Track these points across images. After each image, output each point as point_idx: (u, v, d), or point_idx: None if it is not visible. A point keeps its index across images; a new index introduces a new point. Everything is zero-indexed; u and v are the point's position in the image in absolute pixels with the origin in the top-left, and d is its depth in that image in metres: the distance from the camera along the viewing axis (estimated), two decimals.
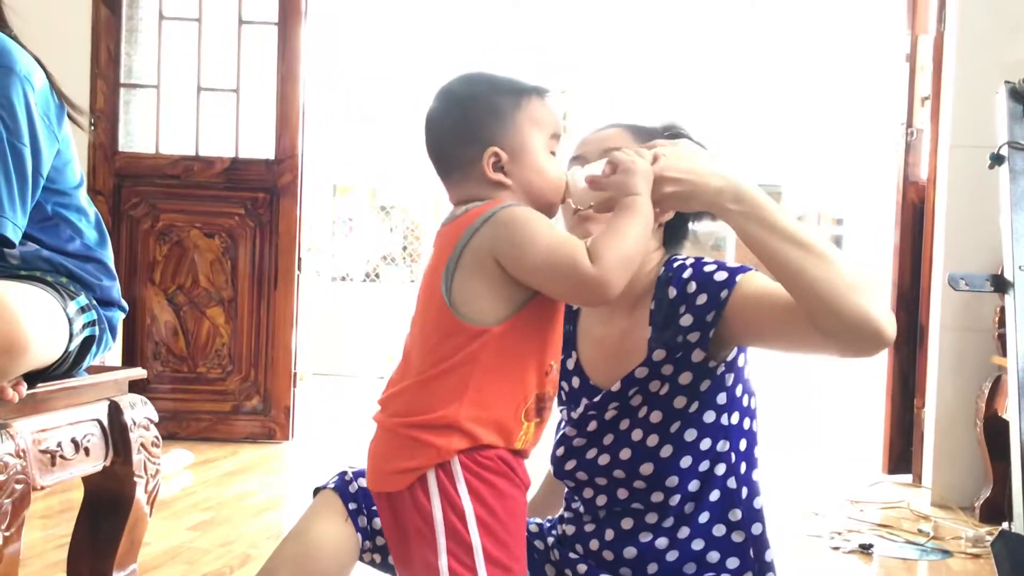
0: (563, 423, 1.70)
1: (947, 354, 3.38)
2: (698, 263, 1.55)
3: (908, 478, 3.66)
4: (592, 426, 1.63)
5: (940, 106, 3.53)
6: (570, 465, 1.64)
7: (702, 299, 1.50)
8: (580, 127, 10.50)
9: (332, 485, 1.63)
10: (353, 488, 1.61)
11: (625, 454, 1.58)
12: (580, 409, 1.65)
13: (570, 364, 1.69)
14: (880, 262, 6.48)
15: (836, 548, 2.70)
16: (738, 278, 1.48)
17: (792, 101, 10.40)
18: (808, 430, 5.15)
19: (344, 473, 1.65)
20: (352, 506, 1.61)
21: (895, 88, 3.93)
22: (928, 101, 3.66)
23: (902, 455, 3.72)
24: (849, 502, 3.25)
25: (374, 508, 1.55)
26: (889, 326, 1.33)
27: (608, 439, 1.61)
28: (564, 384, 1.70)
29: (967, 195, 3.34)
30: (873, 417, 5.49)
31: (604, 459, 1.59)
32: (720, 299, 1.49)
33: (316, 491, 1.66)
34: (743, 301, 1.48)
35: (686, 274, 1.53)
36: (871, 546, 2.69)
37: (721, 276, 1.49)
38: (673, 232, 1.65)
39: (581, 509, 1.66)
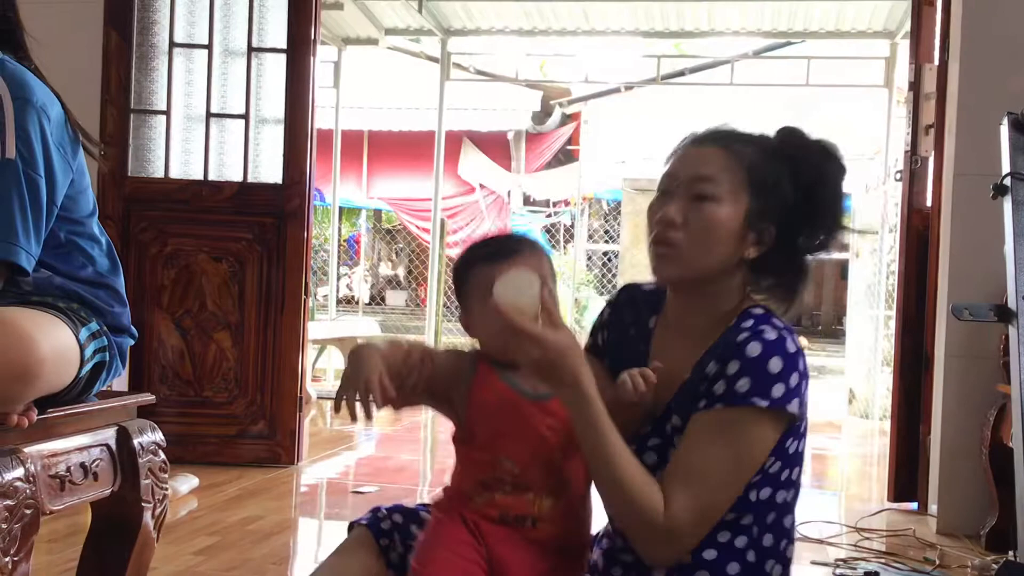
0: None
1: (952, 382, 3.38)
2: (769, 350, 1.48)
3: (914, 506, 3.66)
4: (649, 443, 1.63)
5: (944, 134, 3.55)
6: None
7: (742, 384, 1.47)
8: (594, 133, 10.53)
9: (365, 521, 1.66)
10: (386, 525, 1.65)
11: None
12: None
13: None
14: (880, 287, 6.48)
15: None
16: (739, 406, 1.46)
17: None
18: (814, 458, 5.14)
19: (377, 509, 1.69)
20: (384, 542, 1.64)
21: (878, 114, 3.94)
22: (932, 129, 3.68)
23: (908, 483, 3.71)
24: (855, 530, 3.24)
25: (408, 543, 1.62)
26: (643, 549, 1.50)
27: (651, 458, 1.60)
28: None
29: (971, 223, 3.35)
30: (878, 445, 5.48)
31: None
32: (720, 398, 1.48)
33: (350, 527, 1.69)
34: (713, 417, 1.49)
35: (751, 349, 1.48)
36: (877, 574, 2.68)
37: (743, 387, 1.46)
38: (765, 276, 1.60)
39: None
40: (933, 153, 3.67)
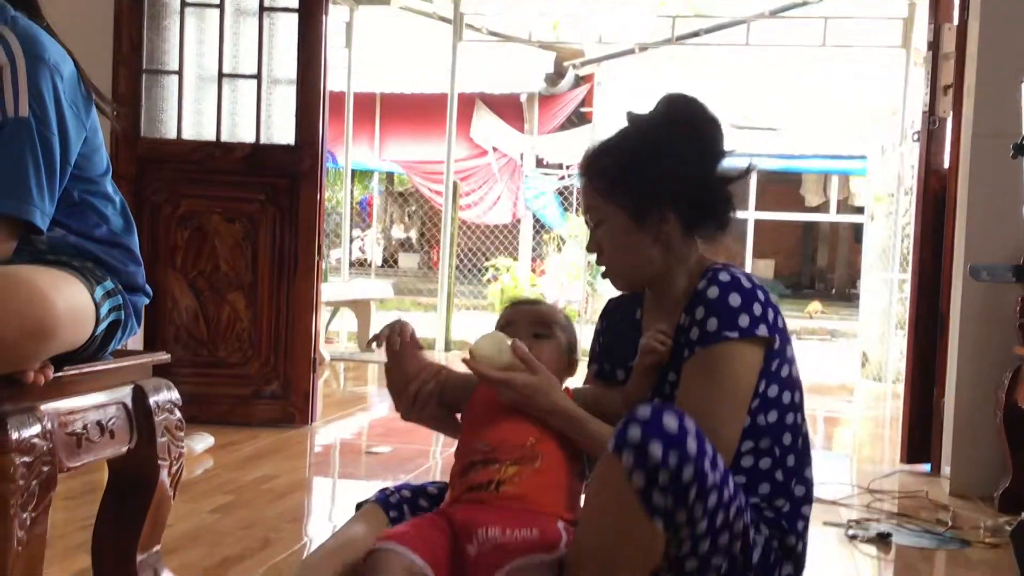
0: None
1: (967, 344, 3.37)
2: (725, 289, 1.65)
3: (927, 468, 3.66)
4: None
5: (963, 95, 3.51)
6: None
7: (711, 324, 1.64)
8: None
9: (374, 499, 1.79)
10: (394, 499, 1.78)
11: None
12: None
13: None
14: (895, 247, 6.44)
15: (854, 537, 2.70)
16: (714, 344, 1.63)
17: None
18: (827, 420, 5.14)
19: (385, 489, 1.81)
20: (393, 514, 1.76)
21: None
22: (951, 90, 3.64)
23: (921, 445, 3.71)
24: (867, 491, 3.25)
25: (418, 515, 1.74)
26: None
27: None
28: None
29: (989, 184, 3.32)
30: (891, 407, 5.48)
31: None
32: (697, 342, 1.64)
33: (358, 507, 1.80)
34: (695, 361, 1.65)
35: (710, 293, 1.66)
36: (889, 535, 2.69)
37: (712, 326, 1.64)
38: (698, 234, 1.76)
39: None
40: (951, 114, 3.63)
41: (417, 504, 1.81)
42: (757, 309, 1.64)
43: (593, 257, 1.83)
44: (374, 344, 1.81)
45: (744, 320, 1.62)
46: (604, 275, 1.81)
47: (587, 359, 1.95)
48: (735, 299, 1.64)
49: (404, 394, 1.81)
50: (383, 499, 1.79)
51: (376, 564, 1.56)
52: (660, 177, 1.72)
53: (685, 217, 1.73)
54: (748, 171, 1.77)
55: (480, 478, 1.65)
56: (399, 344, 1.79)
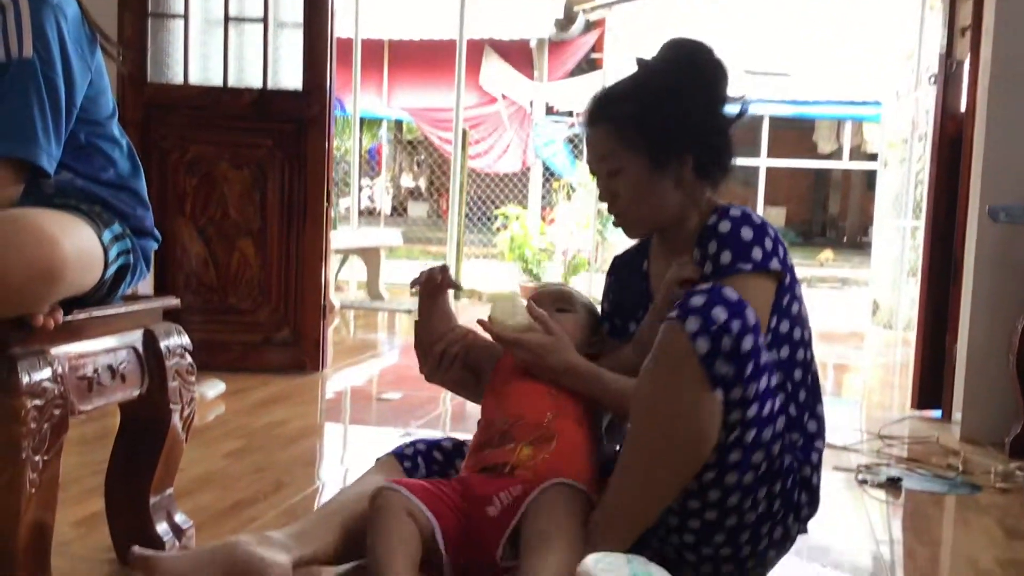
0: None
1: (981, 289, 3.34)
2: (737, 224, 1.68)
3: (937, 414, 3.66)
4: None
5: (981, 37, 3.45)
6: None
7: (725, 257, 1.66)
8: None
9: (389, 452, 1.87)
10: (409, 451, 1.86)
11: None
12: None
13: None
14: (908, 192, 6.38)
15: (864, 482, 2.70)
16: (728, 276, 1.63)
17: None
18: (837, 367, 5.14)
19: (401, 445, 1.89)
20: (407, 464, 1.84)
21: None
22: (968, 32, 3.57)
23: (932, 391, 3.71)
24: (878, 437, 3.25)
25: (432, 467, 1.84)
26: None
27: None
28: None
29: (1006, 127, 3.28)
30: (902, 354, 5.47)
31: None
32: (712, 276, 1.65)
33: (377, 460, 1.88)
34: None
35: (722, 227, 1.68)
36: (899, 480, 2.69)
37: (726, 259, 1.66)
38: (708, 178, 1.78)
39: None
40: (969, 56, 3.57)
41: (431, 457, 1.87)
42: (768, 244, 1.66)
43: (603, 206, 1.84)
44: (413, 289, 1.90)
45: (757, 253, 1.64)
46: (617, 223, 1.81)
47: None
48: (747, 233, 1.66)
49: (430, 354, 1.87)
50: (399, 452, 1.87)
51: (378, 502, 1.61)
52: (680, 121, 1.72)
53: (700, 160, 1.75)
54: (742, 114, 1.77)
55: (495, 459, 1.68)
56: (436, 289, 1.88)
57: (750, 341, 1.48)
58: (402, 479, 1.71)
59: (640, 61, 1.79)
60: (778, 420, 1.57)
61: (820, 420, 1.73)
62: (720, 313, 1.47)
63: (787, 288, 1.69)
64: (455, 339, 1.89)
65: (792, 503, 1.67)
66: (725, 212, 1.69)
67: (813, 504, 1.73)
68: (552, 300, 1.87)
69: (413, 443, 1.90)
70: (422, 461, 1.86)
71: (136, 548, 1.60)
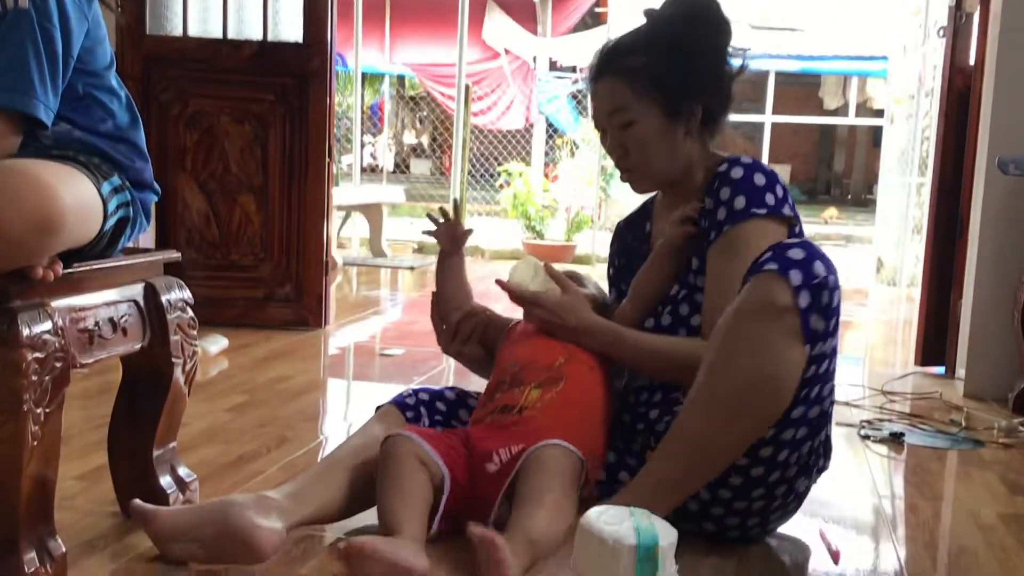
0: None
1: (987, 245, 3.32)
2: (749, 170, 1.70)
3: (941, 370, 3.65)
4: (659, 323, 1.80)
5: None
6: None
7: (739, 202, 1.67)
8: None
9: (390, 401, 1.85)
10: (411, 401, 1.85)
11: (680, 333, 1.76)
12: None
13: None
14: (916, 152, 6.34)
15: (866, 437, 2.70)
16: (744, 221, 1.65)
17: None
18: (841, 323, 5.12)
19: (402, 393, 1.88)
20: (410, 414, 1.82)
21: None
22: None
23: (935, 347, 3.70)
24: (880, 393, 3.25)
25: (435, 417, 1.84)
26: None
27: (684, 309, 1.77)
28: None
29: (1016, 80, 3.24)
30: (905, 311, 5.46)
31: (664, 323, 1.78)
32: (725, 221, 1.67)
33: (378, 409, 1.87)
34: (724, 241, 1.67)
35: (734, 173, 1.70)
36: (902, 435, 2.69)
37: (740, 204, 1.67)
38: (713, 128, 1.81)
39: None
40: (979, 8, 3.52)
41: (434, 407, 1.85)
42: (779, 190, 1.69)
43: (608, 163, 1.87)
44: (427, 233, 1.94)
45: (770, 198, 1.66)
46: (626, 179, 1.80)
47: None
48: (760, 179, 1.68)
49: (447, 326, 1.87)
50: (400, 401, 1.85)
51: (389, 448, 1.61)
52: (692, 71, 1.74)
53: (708, 111, 1.77)
54: (744, 68, 1.79)
55: (505, 401, 1.68)
56: (454, 240, 1.91)
57: (838, 297, 1.51)
58: (413, 427, 1.71)
59: (648, 13, 1.79)
60: (835, 375, 1.59)
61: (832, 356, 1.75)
62: (820, 268, 1.48)
63: (797, 235, 1.70)
64: (471, 313, 1.89)
65: (820, 455, 1.69)
66: (736, 160, 1.71)
67: (828, 455, 1.74)
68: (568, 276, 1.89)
69: (415, 392, 1.88)
70: (424, 411, 1.84)
71: (136, 501, 1.62)
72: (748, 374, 1.47)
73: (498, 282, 1.79)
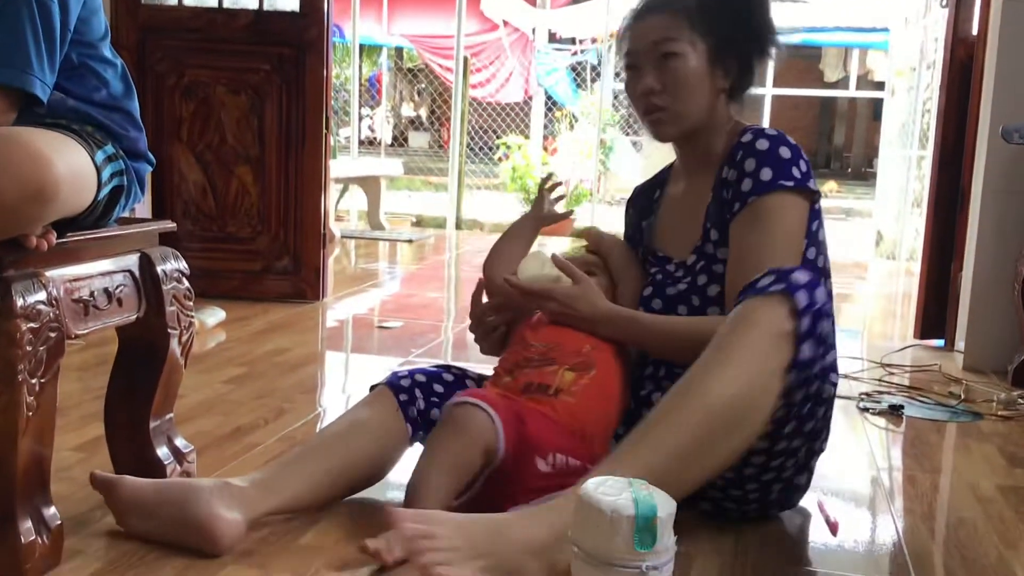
0: (654, 275, 1.85)
1: (988, 217, 3.30)
2: (775, 142, 1.67)
3: (940, 343, 3.65)
4: (671, 291, 1.78)
5: None
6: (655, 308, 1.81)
7: (765, 173, 1.65)
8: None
9: (384, 382, 1.78)
10: (405, 383, 1.77)
11: (694, 300, 1.74)
12: (660, 276, 1.82)
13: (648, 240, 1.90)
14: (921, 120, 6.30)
15: (865, 409, 2.70)
16: (770, 192, 1.63)
17: None
18: (839, 297, 5.12)
19: (397, 372, 1.81)
20: (403, 397, 1.75)
21: None
22: None
23: (935, 320, 3.70)
24: (879, 365, 3.24)
25: (432, 400, 1.75)
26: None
27: (682, 310, 1.76)
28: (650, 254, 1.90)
29: (1019, 50, 3.21)
30: (904, 284, 5.46)
31: (681, 290, 1.77)
32: (751, 192, 1.65)
33: (371, 389, 1.81)
34: (749, 212, 1.65)
35: (760, 144, 1.67)
36: (901, 407, 2.69)
37: (767, 175, 1.64)
38: (739, 94, 1.80)
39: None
40: None
41: (431, 388, 1.78)
42: (803, 165, 1.67)
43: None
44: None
45: (796, 172, 1.65)
46: (651, 119, 1.75)
47: None
48: (785, 152, 1.66)
49: (482, 322, 1.85)
50: (394, 382, 1.78)
51: (461, 417, 1.53)
52: (742, 26, 1.74)
53: (744, 74, 1.77)
54: (777, 43, 1.79)
55: (538, 378, 1.64)
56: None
57: (829, 325, 1.52)
58: (481, 393, 1.62)
59: None
60: (833, 376, 1.59)
61: (835, 351, 1.69)
62: (822, 294, 1.48)
63: (816, 212, 1.70)
64: (504, 318, 1.85)
65: (817, 451, 1.72)
66: (761, 131, 1.69)
67: (826, 431, 1.73)
68: (580, 265, 1.82)
69: (411, 373, 1.79)
70: (420, 393, 1.76)
71: (96, 471, 1.61)
72: (729, 394, 1.43)
73: (505, 279, 1.74)
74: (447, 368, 1.86)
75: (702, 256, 1.75)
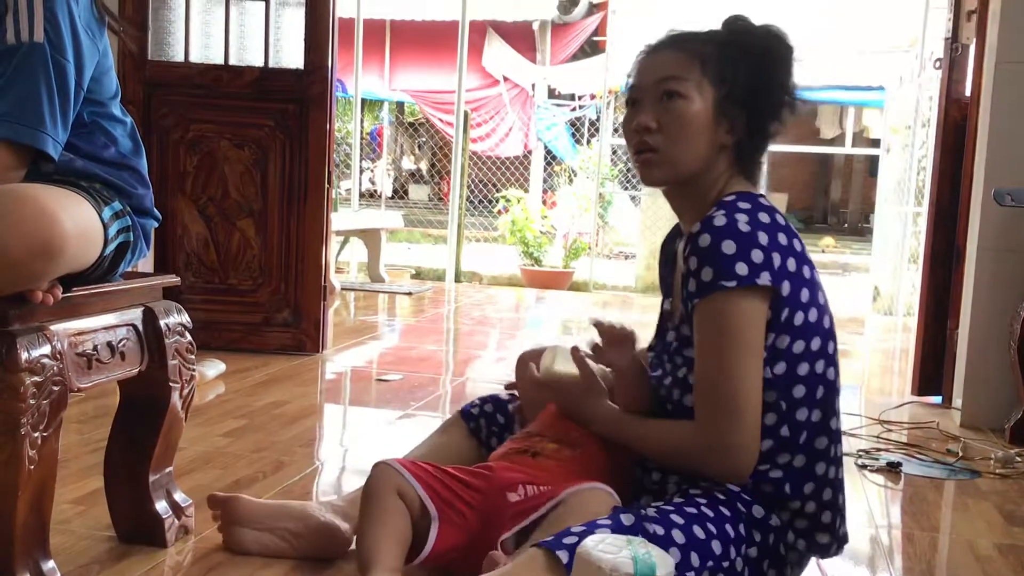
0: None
1: (984, 275, 3.33)
2: (720, 235, 1.51)
3: (938, 400, 3.65)
4: (668, 366, 1.71)
5: (987, 21, 3.42)
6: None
7: (706, 274, 1.52)
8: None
9: (459, 410, 1.97)
10: (475, 411, 1.95)
11: (675, 394, 1.65)
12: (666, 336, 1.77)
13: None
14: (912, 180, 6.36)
15: (864, 466, 2.70)
16: (711, 294, 1.51)
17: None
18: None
19: (471, 403, 1.98)
20: (472, 425, 1.93)
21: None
22: (975, 16, 3.55)
23: (933, 377, 3.70)
24: (877, 422, 3.25)
25: (492, 429, 1.92)
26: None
27: (677, 364, 1.67)
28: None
29: (1012, 113, 3.26)
30: (902, 340, 5.47)
31: (667, 381, 1.68)
32: (695, 294, 1.54)
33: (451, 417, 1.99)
34: (698, 316, 1.55)
35: (702, 241, 1.51)
36: (899, 465, 2.69)
37: (707, 276, 1.51)
38: (742, 161, 1.64)
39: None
40: (975, 40, 3.55)
41: (494, 419, 1.94)
42: (756, 256, 1.49)
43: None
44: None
45: (742, 269, 1.49)
46: (642, 159, 1.62)
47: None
48: (729, 246, 1.49)
49: (533, 405, 1.87)
50: (466, 411, 1.96)
51: (371, 476, 1.66)
52: (771, 86, 1.62)
53: (752, 135, 1.63)
54: (794, 110, 1.67)
55: (519, 444, 1.75)
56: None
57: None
58: (402, 459, 1.72)
59: (729, 22, 1.67)
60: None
61: (832, 434, 1.61)
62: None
63: (788, 299, 1.52)
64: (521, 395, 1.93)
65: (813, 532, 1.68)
66: (708, 221, 1.53)
67: (835, 510, 1.69)
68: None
69: (481, 403, 1.96)
70: (484, 423, 1.93)
71: (215, 492, 1.83)
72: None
73: (529, 362, 1.84)
74: (513, 399, 1.98)
75: (678, 337, 1.67)
